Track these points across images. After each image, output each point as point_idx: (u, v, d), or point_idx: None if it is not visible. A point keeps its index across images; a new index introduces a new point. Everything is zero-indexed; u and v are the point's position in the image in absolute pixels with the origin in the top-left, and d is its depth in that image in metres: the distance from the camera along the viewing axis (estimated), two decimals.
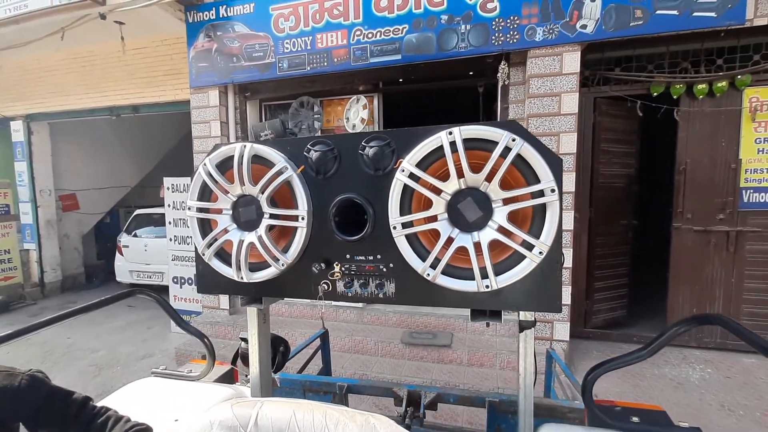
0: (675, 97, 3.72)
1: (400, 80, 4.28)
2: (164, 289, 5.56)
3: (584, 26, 3.41)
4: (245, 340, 1.57)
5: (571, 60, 3.51)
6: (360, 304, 4.38)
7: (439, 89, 4.53)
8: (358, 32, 3.98)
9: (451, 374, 3.62)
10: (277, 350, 1.56)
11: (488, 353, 3.72)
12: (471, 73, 4.05)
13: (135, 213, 7.01)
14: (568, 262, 3.62)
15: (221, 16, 4.44)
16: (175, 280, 5.24)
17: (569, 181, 3.57)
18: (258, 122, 4.96)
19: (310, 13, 4.10)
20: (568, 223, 3.59)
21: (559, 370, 2.25)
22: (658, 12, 3.27)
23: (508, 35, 3.58)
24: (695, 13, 3.21)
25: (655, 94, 3.75)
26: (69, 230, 7.50)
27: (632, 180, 4.27)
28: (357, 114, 4.49)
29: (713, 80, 3.59)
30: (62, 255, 7.28)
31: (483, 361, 3.74)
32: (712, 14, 3.18)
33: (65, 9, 4.42)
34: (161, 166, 8.93)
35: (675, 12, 3.24)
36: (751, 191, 3.66)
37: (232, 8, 4.38)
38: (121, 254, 6.71)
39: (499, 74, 3.80)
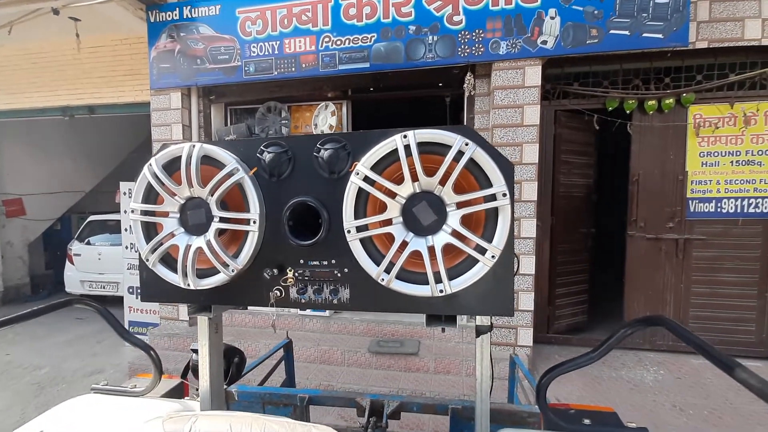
0: (628, 111, 3.94)
1: (369, 88, 4.30)
2: (119, 300, 5.25)
3: (545, 42, 3.56)
4: (197, 351, 1.49)
5: (533, 74, 3.65)
6: (327, 313, 4.30)
7: (407, 98, 4.59)
8: (326, 39, 3.97)
9: (418, 382, 3.61)
10: (231, 362, 1.48)
11: (455, 360, 3.74)
12: (438, 83, 4.12)
13: (88, 219, 6.60)
14: (531, 269, 3.72)
15: (185, 17, 4.31)
16: (131, 290, 4.96)
17: (531, 190, 3.69)
18: (223, 126, 4.83)
19: (278, 18, 4.05)
20: (531, 230, 3.70)
21: (521, 375, 2.28)
22: (612, 31, 3.46)
23: (473, 47, 3.68)
24: (644, 34, 3.43)
25: (610, 108, 3.96)
26: (13, 237, 6.97)
27: (591, 190, 4.47)
28: (325, 120, 4.46)
29: (661, 97, 3.84)
30: (4, 264, 6.75)
31: (449, 368, 3.75)
32: (660, 36, 3.41)
33: (14, 2, 4.15)
34: (119, 171, 8.49)
35: (626, 32, 3.44)
36: (697, 201, 3.91)
37: (196, 9, 4.27)
38: (72, 263, 6.29)
39: (465, 85, 3.89)
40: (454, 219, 0.89)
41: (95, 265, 6.17)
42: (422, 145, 0.89)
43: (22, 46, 5.35)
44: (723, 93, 3.79)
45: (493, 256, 0.88)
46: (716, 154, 3.85)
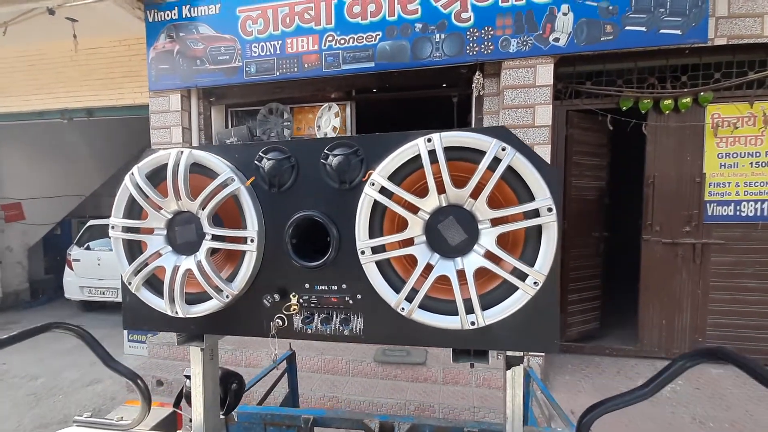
0: (643, 111, 3.79)
1: (374, 89, 4.17)
2: (119, 306, 5.13)
3: (557, 39, 3.42)
4: (190, 377, 1.36)
5: (545, 72, 3.51)
6: None
7: (413, 99, 4.46)
8: (330, 38, 3.85)
9: (426, 394, 3.47)
10: (228, 388, 1.35)
11: (464, 370, 3.59)
12: (445, 83, 4.00)
13: (88, 224, 6.49)
14: None
15: (184, 16, 4.20)
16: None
17: None
18: (224, 129, 4.71)
19: (280, 17, 3.93)
20: None
21: (536, 387, 2.16)
22: (627, 28, 3.32)
23: (482, 46, 3.55)
24: (662, 31, 3.28)
25: (624, 108, 3.81)
26: (12, 242, 6.87)
27: (604, 192, 4.31)
28: (329, 122, 4.33)
29: (678, 96, 3.69)
30: (4, 270, 6.65)
31: (458, 378, 3.60)
32: (678, 32, 3.27)
33: (8, 2, 4.05)
34: (121, 175, 8.38)
35: (643, 28, 3.30)
36: (715, 204, 3.76)
37: (196, 8, 4.15)
38: (71, 269, 6.17)
39: (473, 85, 3.75)
40: (488, 239, 0.75)
41: (95, 270, 6.06)
42: (450, 151, 0.75)
43: (19, 47, 5.25)
44: (742, 92, 3.64)
45: (535, 283, 0.73)
46: (735, 155, 3.70)
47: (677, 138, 3.79)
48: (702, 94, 3.64)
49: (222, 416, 1.38)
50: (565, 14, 3.37)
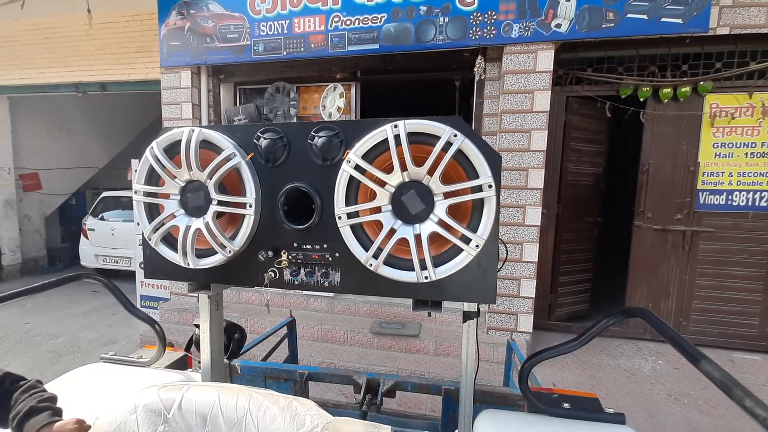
0: (642, 99, 3.84)
1: (379, 70, 4.25)
2: (132, 275, 5.42)
3: (559, 25, 3.46)
4: (199, 326, 1.56)
5: (545, 58, 3.57)
6: (331, 294, 4.39)
7: (417, 81, 4.53)
8: (336, 18, 3.92)
9: (418, 363, 3.70)
10: (232, 337, 1.55)
11: (455, 343, 3.81)
12: (448, 66, 4.06)
13: (102, 195, 6.75)
14: (533, 256, 3.73)
15: None
16: (143, 265, 5.11)
17: (538, 178, 3.66)
18: (232, 106, 4.85)
19: None
20: (536, 218, 3.69)
21: (518, 360, 2.34)
22: (629, 15, 3.35)
23: (485, 30, 3.60)
24: (663, 19, 3.31)
25: (623, 96, 3.86)
26: (30, 211, 7.18)
27: (600, 179, 4.41)
28: (333, 102, 4.45)
29: (678, 85, 3.73)
30: (22, 237, 6.98)
31: (449, 351, 3.82)
32: (679, 21, 3.29)
33: None
34: (132, 148, 8.61)
35: (644, 16, 3.33)
36: (707, 193, 3.84)
37: None
38: (86, 237, 6.48)
39: (475, 69, 3.82)
40: (440, 209, 0.92)
41: (109, 240, 6.35)
42: (412, 135, 0.91)
43: (35, 20, 5.39)
44: (742, 82, 3.67)
45: (477, 246, 0.90)
46: (731, 145, 3.76)
47: (674, 127, 3.85)
48: (702, 83, 3.68)
49: (226, 360, 1.59)
50: (567, 0, 3.40)
